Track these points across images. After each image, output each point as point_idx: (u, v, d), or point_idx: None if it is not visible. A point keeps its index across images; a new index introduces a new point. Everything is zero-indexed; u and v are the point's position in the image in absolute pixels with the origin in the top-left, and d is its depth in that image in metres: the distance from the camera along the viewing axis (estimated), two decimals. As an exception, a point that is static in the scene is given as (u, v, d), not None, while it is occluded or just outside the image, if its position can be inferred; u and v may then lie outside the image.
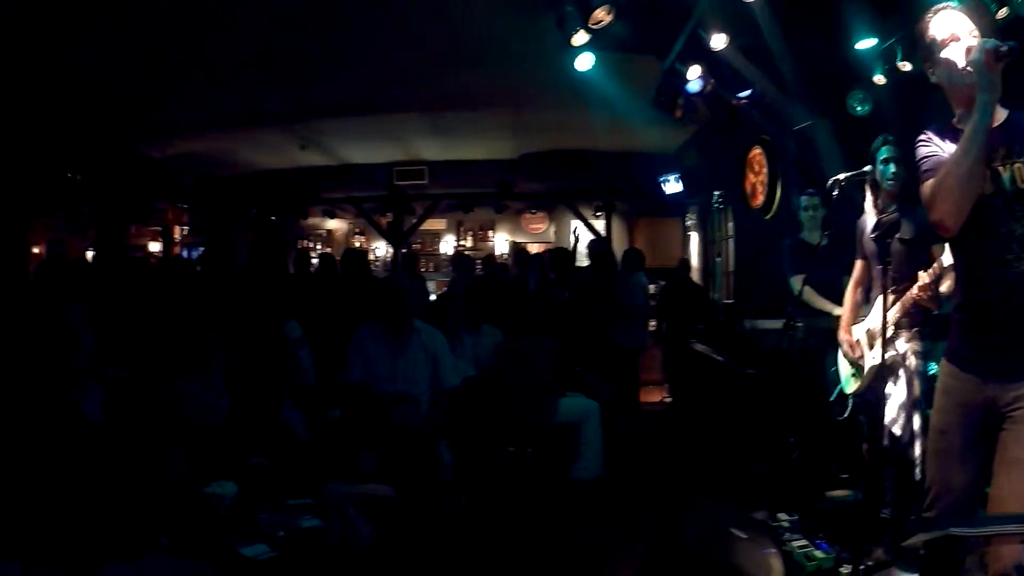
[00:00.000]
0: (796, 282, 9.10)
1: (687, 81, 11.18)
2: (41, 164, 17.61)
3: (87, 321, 5.47)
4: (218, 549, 4.62)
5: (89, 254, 20.79)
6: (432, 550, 6.35)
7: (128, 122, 17.16)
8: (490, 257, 22.58)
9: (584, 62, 10.71)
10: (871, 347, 6.92)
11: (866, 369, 6.99)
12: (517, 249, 23.55)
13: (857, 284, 7.41)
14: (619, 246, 21.88)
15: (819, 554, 6.57)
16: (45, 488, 4.80)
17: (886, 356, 6.25)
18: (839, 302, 7.80)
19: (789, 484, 8.01)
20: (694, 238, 20.98)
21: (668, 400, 16.69)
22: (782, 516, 7.25)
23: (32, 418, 5.03)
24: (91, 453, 5.08)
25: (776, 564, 6.32)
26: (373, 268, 22.59)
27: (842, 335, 7.40)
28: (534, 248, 23.45)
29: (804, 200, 9.67)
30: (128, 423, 5.63)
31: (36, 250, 19.81)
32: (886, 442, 6.60)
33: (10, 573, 3.51)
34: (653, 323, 17.19)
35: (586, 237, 22.79)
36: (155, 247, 25.53)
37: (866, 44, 9.20)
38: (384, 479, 6.75)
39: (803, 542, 6.74)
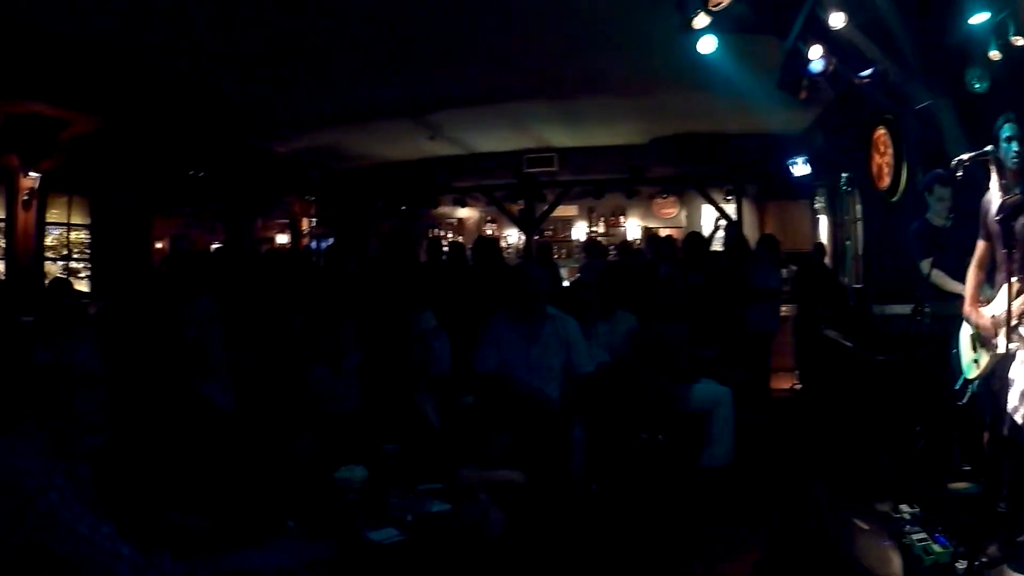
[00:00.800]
0: (925, 266, 9.00)
1: (809, 61, 11.10)
2: (164, 164, 17.97)
3: (216, 314, 5.58)
4: (345, 532, 4.67)
5: (213, 247, 21.14)
6: (562, 536, 6.40)
7: (254, 119, 17.40)
8: (624, 243, 22.57)
9: (707, 44, 10.73)
10: (995, 334, 6.83)
11: (988, 356, 6.90)
12: (649, 234, 23.56)
13: (979, 264, 7.28)
14: (749, 229, 21.86)
15: (937, 548, 6.46)
16: (173, 474, 4.91)
17: (1010, 344, 6.19)
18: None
19: (913, 474, 7.94)
20: (823, 221, 20.81)
21: (797, 387, 16.60)
22: (904, 508, 7.17)
23: (161, 408, 5.14)
24: (220, 441, 5.17)
25: (895, 558, 6.30)
26: (505, 255, 22.61)
27: (967, 309, 7.30)
28: (664, 232, 23.45)
29: (936, 186, 9.54)
30: (258, 411, 5.73)
31: (159, 245, 20.22)
32: (1006, 431, 6.52)
33: (124, 551, 3.59)
34: (785, 308, 16.99)
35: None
36: (282, 239, 25.86)
37: (979, 19, 8.95)
38: (516, 465, 6.79)
39: (922, 535, 6.61)
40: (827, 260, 18.89)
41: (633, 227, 27.28)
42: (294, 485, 5.41)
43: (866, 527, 6.55)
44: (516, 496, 6.04)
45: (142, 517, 4.59)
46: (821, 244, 19.45)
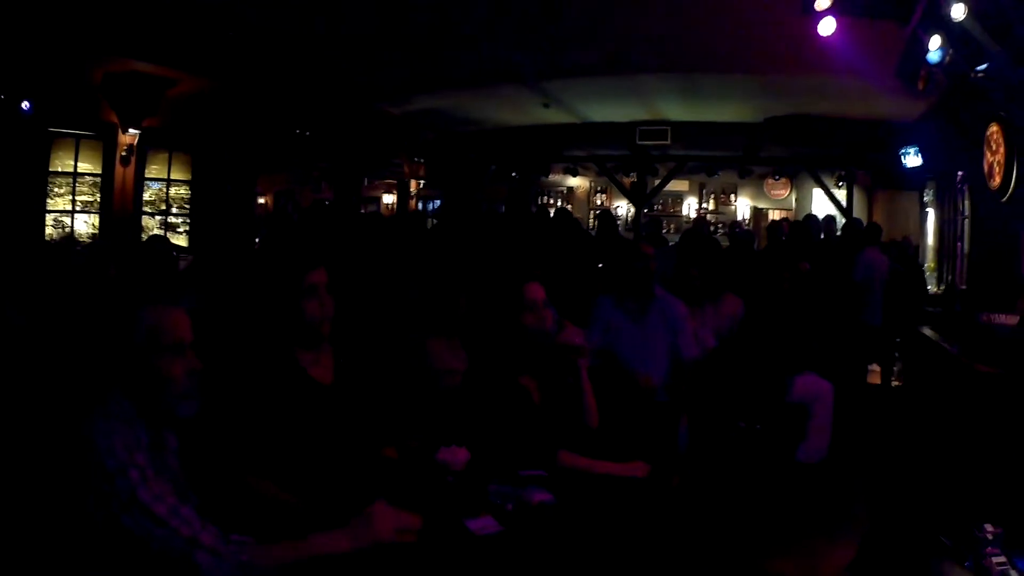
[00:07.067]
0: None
1: (928, 50, 11.01)
2: (271, 122, 18.27)
3: (329, 285, 5.53)
4: (442, 519, 4.64)
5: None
6: (654, 525, 6.34)
7: (368, 81, 17.55)
8: (734, 224, 22.64)
9: (826, 26, 10.70)
10: None
11: None
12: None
13: None
14: (859, 217, 21.73)
15: (1014, 574, 6.32)
16: (266, 447, 4.90)
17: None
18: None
19: (999, 492, 7.81)
20: (931, 215, 20.65)
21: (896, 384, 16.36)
22: (988, 527, 7.05)
23: (258, 378, 5.09)
24: (318, 415, 5.14)
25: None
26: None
27: None
28: (774, 215, 23.55)
29: None
30: (362, 383, 5.68)
31: (261, 200, 20.63)
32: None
33: (203, 537, 3.60)
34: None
35: (826, 208, 22.70)
36: (388, 199, 26.11)
37: None
38: (616, 453, 6.68)
39: (1002, 559, 6.49)
40: (930, 255, 18.85)
41: (743, 206, 27.32)
42: (393, 464, 5.39)
43: (949, 544, 6.47)
44: (629, 490, 5.96)
45: (230, 491, 4.62)
46: (908, 238, 19.39)
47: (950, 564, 5.81)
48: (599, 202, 28.80)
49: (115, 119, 16.90)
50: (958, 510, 7.43)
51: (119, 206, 17.36)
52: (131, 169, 17.44)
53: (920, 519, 7.08)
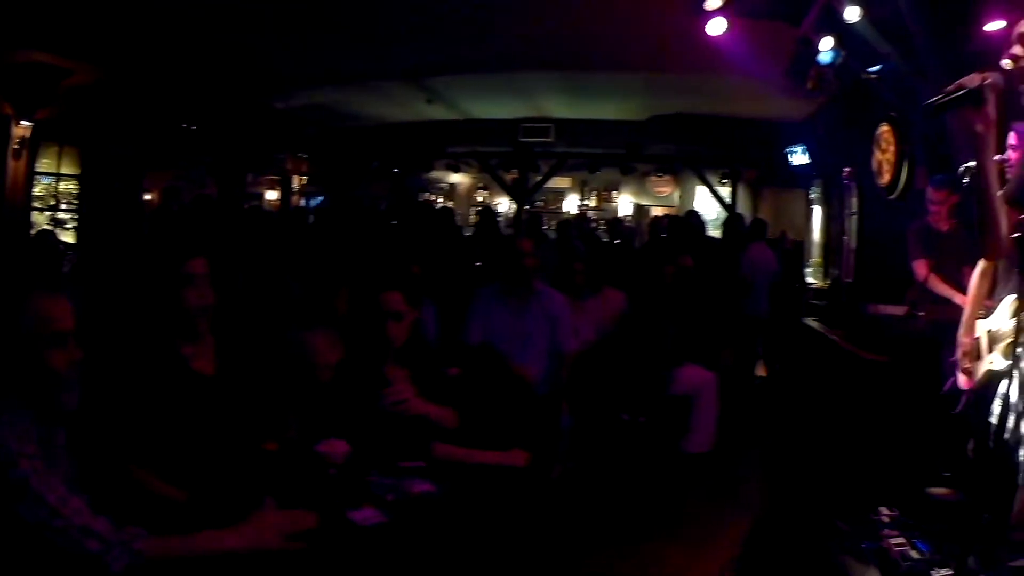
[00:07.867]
0: (919, 267, 9.00)
1: (819, 52, 11.09)
2: (160, 116, 18.01)
3: (210, 275, 5.47)
4: (325, 511, 4.60)
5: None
6: (538, 517, 6.31)
7: (253, 74, 17.38)
8: (615, 220, 22.73)
9: (716, 26, 10.72)
10: (990, 349, 6.69)
11: (982, 370, 6.77)
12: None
13: (983, 278, 7.15)
14: (744, 215, 21.90)
15: (914, 554, 6.37)
16: (151, 441, 4.85)
17: (1007, 361, 6.08)
18: (964, 291, 7.57)
19: (893, 476, 7.90)
20: (817, 212, 20.73)
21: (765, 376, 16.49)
22: (883, 510, 7.10)
23: (140, 370, 5.04)
24: (201, 407, 5.09)
25: (872, 562, 6.22)
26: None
27: (961, 337, 7.12)
28: (657, 212, 23.69)
29: (930, 191, 9.50)
30: (243, 376, 5.62)
31: (148, 197, 20.35)
32: (992, 443, 6.41)
33: (95, 526, 3.56)
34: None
35: (710, 205, 22.90)
36: (271, 196, 25.95)
37: (994, 26, 8.78)
38: (500, 442, 6.67)
39: (900, 540, 6.53)
40: (816, 250, 19.08)
41: (625, 203, 27.45)
42: (275, 457, 5.33)
43: (845, 528, 6.49)
44: (509, 479, 5.96)
45: (120, 486, 4.54)
46: (785, 234, 19.92)
47: (850, 546, 5.84)
48: (480, 198, 28.86)
49: (9, 110, 16.50)
50: (853, 496, 7.50)
51: (10, 200, 16.90)
52: (23, 162, 17.01)
53: (815, 506, 7.14)
